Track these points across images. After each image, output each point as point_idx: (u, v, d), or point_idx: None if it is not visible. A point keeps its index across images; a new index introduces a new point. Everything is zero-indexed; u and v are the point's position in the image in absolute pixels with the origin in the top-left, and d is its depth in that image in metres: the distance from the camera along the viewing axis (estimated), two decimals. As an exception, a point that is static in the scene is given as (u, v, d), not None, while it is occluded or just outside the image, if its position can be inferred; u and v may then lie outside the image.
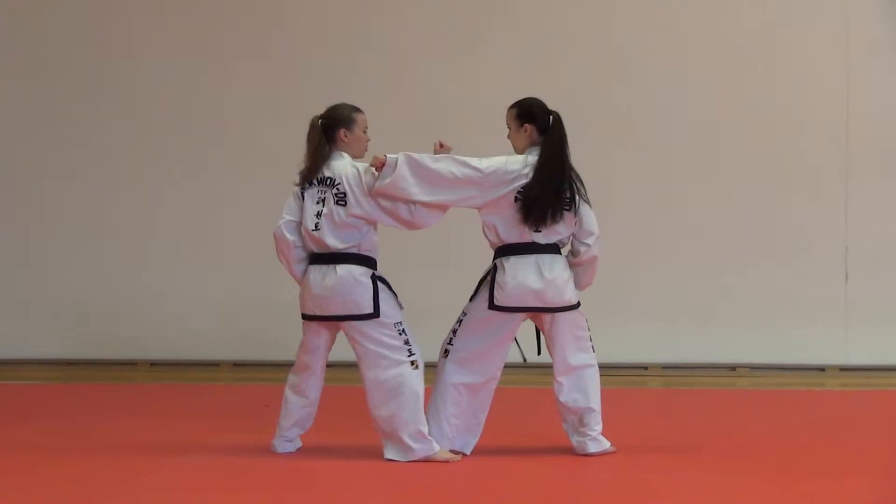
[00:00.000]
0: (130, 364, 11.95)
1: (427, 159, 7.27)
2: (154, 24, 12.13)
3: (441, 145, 7.42)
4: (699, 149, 11.57)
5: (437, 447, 7.32)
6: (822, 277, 11.50)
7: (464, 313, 7.43)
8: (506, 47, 11.74)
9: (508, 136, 7.48)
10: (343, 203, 7.29)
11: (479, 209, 7.33)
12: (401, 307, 7.40)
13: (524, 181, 7.27)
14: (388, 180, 7.23)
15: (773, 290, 11.51)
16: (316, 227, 7.33)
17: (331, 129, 7.41)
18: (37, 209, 12.20)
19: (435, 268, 11.54)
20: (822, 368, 11.40)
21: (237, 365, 11.88)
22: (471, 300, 7.44)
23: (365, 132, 7.47)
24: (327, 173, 7.35)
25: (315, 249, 7.38)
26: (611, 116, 11.57)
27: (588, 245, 7.46)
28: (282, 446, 7.60)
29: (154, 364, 11.98)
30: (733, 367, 11.47)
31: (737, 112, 11.56)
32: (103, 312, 12.06)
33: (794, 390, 10.54)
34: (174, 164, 12.10)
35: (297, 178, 7.41)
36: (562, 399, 7.45)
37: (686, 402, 9.95)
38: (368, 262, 7.37)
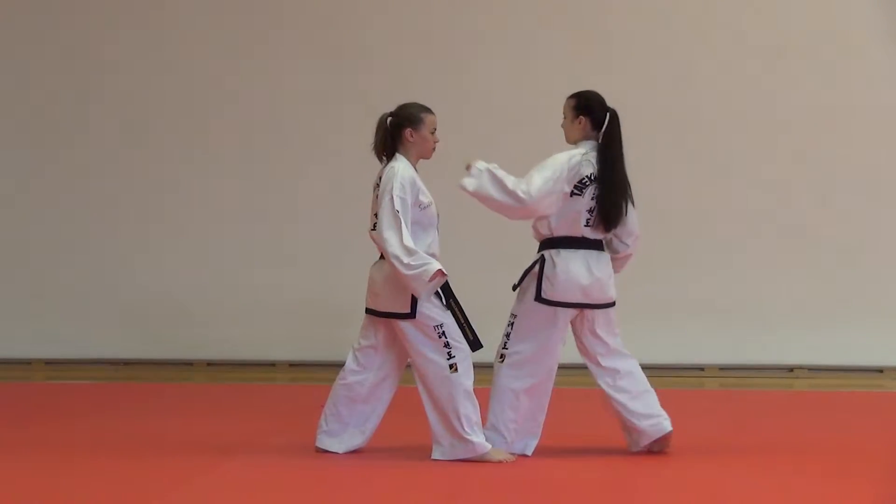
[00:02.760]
0: (187, 364, 12.00)
1: (506, 182, 7.23)
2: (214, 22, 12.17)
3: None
4: (759, 148, 11.51)
5: (487, 447, 7.31)
6: (880, 278, 11.42)
7: (514, 315, 7.43)
8: (561, 48, 11.69)
9: (563, 125, 7.53)
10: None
11: None
12: (446, 308, 7.32)
13: (582, 178, 7.28)
14: (471, 189, 7.27)
15: (831, 291, 11.43)
16: (373, 226, 7.34)
17: (397, 127, 7.40)
18: (95, 208, 12.25)
19: (492, 267, 11.48)
20: (880, 370, 11.32)
21: (293, 365, 11.91)
22: (518, 299, 7.43)
23: (433, 133, 7.42)
24: (381, 174, 7.36)
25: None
26: (665, 117, 11.53)
27: (627, 245, 7.55)
28: (324, 442, 7.59)
29: (211, 364, 12.03)
30: (790, 369, 11.41)
31: (797, 112, 11.49)
32: (161, 313, 12.11)
33: (851, 392, 10.47)
34: (235, 164, 12.11)
35: None
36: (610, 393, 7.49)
37: (743, 403, 9.90)
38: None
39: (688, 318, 11.45)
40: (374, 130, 7.46)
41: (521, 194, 7.22)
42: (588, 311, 7.42)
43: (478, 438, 7.29)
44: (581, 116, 7.44)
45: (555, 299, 7.33)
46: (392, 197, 7.21)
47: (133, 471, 7.16)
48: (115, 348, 12.12)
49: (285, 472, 7.16)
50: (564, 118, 7.51)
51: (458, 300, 7.32)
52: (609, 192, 7.33)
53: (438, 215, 7.44)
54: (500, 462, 7.29)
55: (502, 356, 7.42)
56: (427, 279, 7.12)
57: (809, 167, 11.51)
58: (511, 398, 7.43)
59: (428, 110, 7.43)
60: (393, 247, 7.15)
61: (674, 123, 11.59)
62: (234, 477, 7.09)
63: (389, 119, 7.42)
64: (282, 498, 6.64)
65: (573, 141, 7.49)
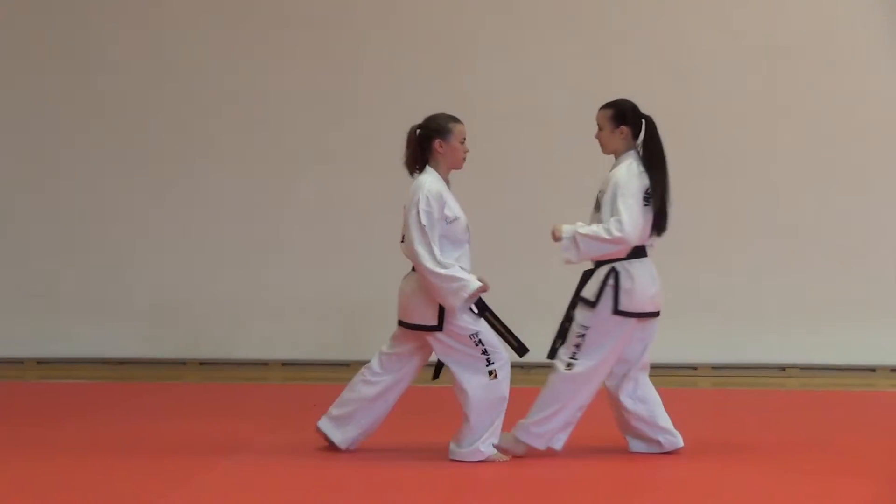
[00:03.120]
0: (180, 363, 11.99)
1: (600, 234, 7.27)
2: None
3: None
4: (752, 148, 11.51)
5: (493, 453, 7.34)
6: (873, 278, 11.43)
7: (585, 327, 7.35)
8: (557, 46, 11.69)
9: (597, 136, 7.52)
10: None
11: None
12: (479, 316, 7.29)
13: (647, 189, 7.35)
14: (576, 260, 7.36)
15: (824, 291, 11.44)
16: (402, 239, 7.39)
17: (426, 139, 7.39)
18: (88, 208, 12.23)
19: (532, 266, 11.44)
20: (873, 369, 11.33)
21: (286, 365, 11.91)
22: (589, 311, 7.35)
23: (462, 143, 7.40)
24: (411, 187, 7.37)
25: None
26: (662, 115, 11.49)
27: (652, 245, 7.55)
28: (326, 426, 7.61)
29: (203, 363, 12.02)
30: (783, 368, 11.42)
31: (791, 112, 11.50)
32: (154, 312, 12.10)
33: (844, 391, 10.49)
34: (231, 165, 12.08)
35: None
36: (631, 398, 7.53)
37: (736, 402, 9.92)
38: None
39: (680, 317, 11.41)
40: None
41: (620, 234, 7.24)
42: (650, 320, 7.47)
43: (489, 451, 7.32)
44: (622, 126, 7.47)
45: (633, 311, 7.35)
46: (418, 211, 7.22)
47: (128, 471, 7.16)
48: (108, 348, 12.10)
49: (279, 471, 7.17)
50: (601, 129, 7.50)
51: (493, 310, 7.34)
52: (664, 200, 7.39)
53: (469, 230, 7.43)
54: (499, 460, 7.33)
55: (570, 365, 7.38)
56: (466, 296, 7.16)
57: (802, 167, 11.52)
58: (574, 409, 7.43)
59: (456, 120, 7.42)
60: (426, 261, 7.17)
61: (668, 123, 11.54)
62: (230, 476, 7.10)
63: (418, 131, 7.41)
64: (277, 497, 6.65)
65: (612, 151, 7.51)
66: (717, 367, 11.33)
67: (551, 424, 7.38)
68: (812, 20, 11.53)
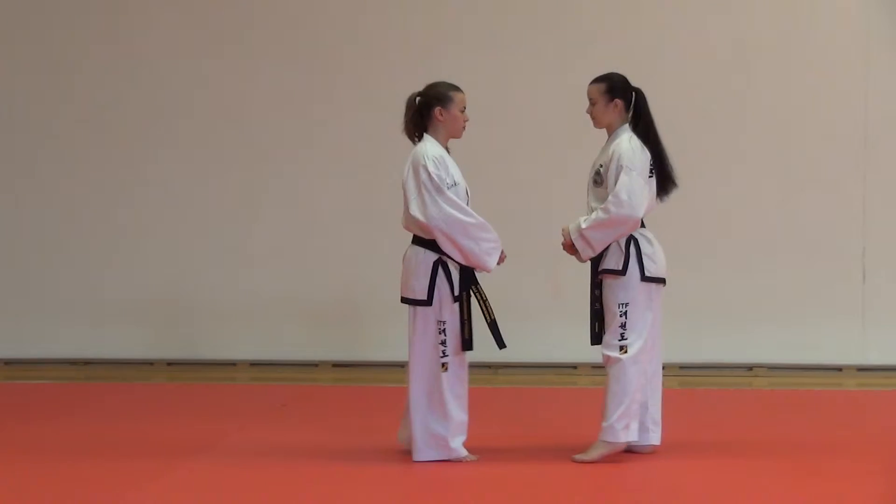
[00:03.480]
0: (148, 364, 11.95)
1: (603, 219, 7.27)
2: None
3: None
4: (715, 148, 11.53)
5: (458, 454, 7.32)
6: (839, 277, 11.47)
7: (624, 304, 7.31)
8: (522, 46, 11.70)
9: (589, 111, 7.52)
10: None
11: None
12: (457, 300, 7.26)
13: (650, 159, 7.39)
14: (593, 255, 7.34)
15: (791, 291, 11.48)
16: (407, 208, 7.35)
17: (426, 107, 7.36)
18: (56, 209, 12.17)
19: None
20: (839, 368, 11.37)
21: (254, 365, 11.88)
22: (619, 286, 7.30)
23: (463, 111, 7.39)
24: (410, 155, 7.34)
25: None
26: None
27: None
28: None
29: (171, 363, 11.98)
30: (750, 367, 11.45)
31: (756, 112, 11.52)
32: (121, 312, 12.06)
33: (811, 390, 10.53)
34: (200, 165, 12.03)
35: None
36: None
37: (703, 402, 9.94)
38: (435, 245, 7.29)
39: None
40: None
41: (619, 211, 7.25)
42: (662, 288, 7.50)
43: (446, 446, 7.29)
44: (616, 99, 7.47)
45: (659, 275, 7.40)
46: (429, 174, 7.18)
47: (94, 471, 7.14)
48: (76, 348, 12.05)
49: (246, 471, 7.16)
50: (593, 104, 7.49)
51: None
52: (665, 167, 7.46)
53: (469, 194, 7.40)
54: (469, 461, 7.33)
55: (623, 349, 7.34)
56: (499, 254, 7.25)
57: (767, 168, 11.54)
58: (653, 388, 7.47)
59: (457, 88, 7.39)
60: (460, 216, 7.16)
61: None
62: (196, 476, 7.08)
63: (418, 99, 7.38)
64: (244, 497, 6.64)
65: (606, 124, 7.51)
66: (684, 367, 11.35)
67: (633, 413, 7.33)
68: (780, 22, 11.55)
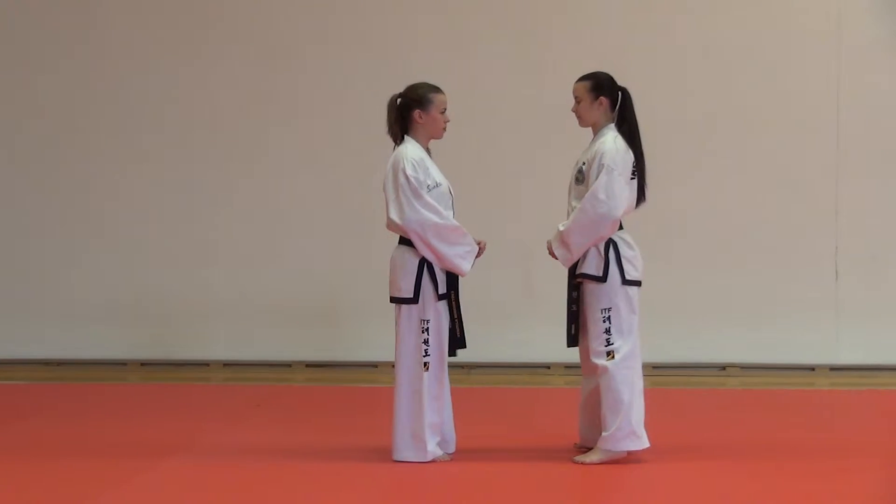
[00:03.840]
0: (121, 364, 11.92)
1: (581, 220, 7.24)
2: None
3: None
4: (689, 148, 11.55)
5: (433, 454, 7.33)
6: (812, 277, 11.50)
7: (605, 310, 7.26)
8: (494, 48, 11.70)
9: (574, 109, 7.48)
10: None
11: None
12: (441, 298, 7.30)
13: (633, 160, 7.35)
14: (575, 258, 7.30)
15: (764, 290, 11.51)
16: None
17: (406, 109, 7.38)
18: (26, 208, 12.13)
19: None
20: (812, 368, 11.40)
21: (228, 365, 11.85)
22: (600, 291, 7.26)
23: (443, 113, 7.40)
24: (390, 158, 7.37)
25: None
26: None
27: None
28: None
29: (145, 364, 11.95)
30: (723, 367, 11.48)
31: (728, 112, 11.54)
32: (94, 313, 12.03)
33: (784, 390, 10.56)
34: (166, 165, 12.02)
35: None
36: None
37: (676, 401, 9.96)
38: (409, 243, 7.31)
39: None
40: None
41: (597, 209, 7.20)
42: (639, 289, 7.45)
43: (423, 449, 7.31)
44: (601, 97, 7.42)
45: (638, 278, 7.34)
46: (407, 177, 7.20)
47: (67, 472, 7.12)
48: (49, 349, 12.02)
49: (220, 471, 7.15)
50: (579, 102, 7.45)
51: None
52: (643, 170, 7.41)
53: (452, 195, 7.42)
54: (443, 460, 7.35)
55: (610, 354, 7.28)
56: (473, 258, 7.28)
57: (738, 167, 11.57)
58: (640, 394, 7.34)
59: (437, 90, 7.41)
60: (435, 219, 7.18)
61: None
62: (169, 477, 7.07)
63: (399, 100, 7.40)
64: (217, 497, 6.63)
65: (591, 123, 7.47)
66: (657, 367, 11.37)
67: (634, 420, 7.27)
68: (751, 22, 11.58)
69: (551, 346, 7.40)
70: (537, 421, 8.81)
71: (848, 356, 11.43)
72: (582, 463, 7.28)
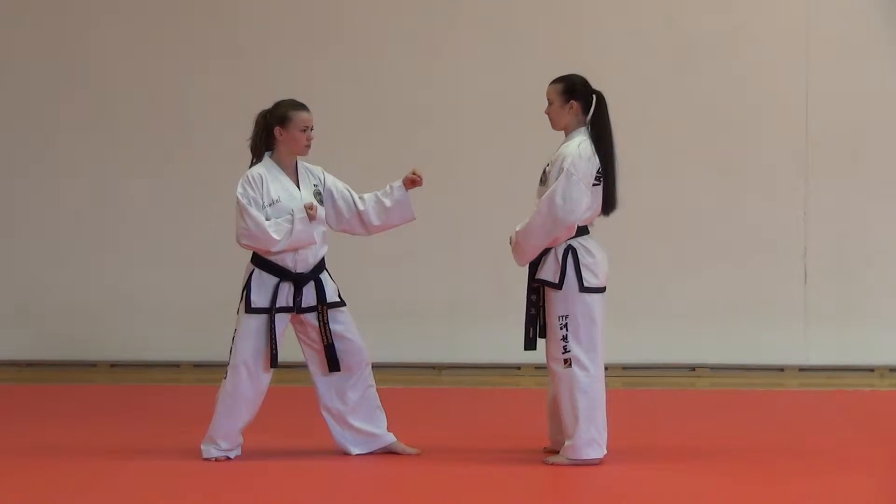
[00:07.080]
0: (91, 365, 11.88)
1: (529, 237, 7.22)
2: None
3: (414, 177, 7.42)
4: (657, 148, 11.57)
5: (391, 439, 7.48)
6: (781, 278, 11.55)
7: (564, 316, 7.20)
8: (472, 47, 11.70)
9: (547, 111, 7.40)
10: None
11: None
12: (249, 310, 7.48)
13: (598, 167, 7.23)
14: (529, 258, 7.29)
15: (733, 291, 11.55)
16: None
17: (268, 125, 7.40)
18: (1, 209, 12.10)
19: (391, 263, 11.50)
20: (781, 369, 11.45)
21: (198, 366, 11.82)
22: (556, 298, 7.21)
23: (304, 131, 7.37)
24: None
25: None
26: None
27: None
28: None
29: (114, 365, 11.92)
30: (693, 368, 11.51)
31: (696, 112, 11.58)
32: (64, 313, 11.98)
33: (753, 391, 10.59)
34: (139, 164, 11.99)
35: None
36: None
37: (646, 402, 9.99)
38: (253, 256, 7.45)
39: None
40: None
41: (552, 213, 7.14)
42: (603, 295, 7.36)
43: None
44: (572, 101, 7.33)
45: (599, 285, 7.25)
46: (238, 193, 7.31)
47: (35, 474, 7.09)
48: (17, 350, 11.98)
49: (190, 472, 7.14)
50: (550, 104, 7.37)
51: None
52: (613, 178, 7.29)
53: (295, 213, 7.35)
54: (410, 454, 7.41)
55: (567, 361, 7.23)
56: (297, 220, 7.27)
57: (708, 167, 11.60)
58: (601, 401, 7.29)
59: (300, 107, 7.40)
60: (250, 225, 7.26)
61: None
62: (139, 479, 7.05)
63: (264, 117, 7.43)
64: (187, 498, 6.62)
65: (563, 127, 7.38)
66: (627, 368, 11.40)
67: (593, 428, 7.23)
68: (720, 21, 11.62)
69: (522, 347, 7.38)
70: (508, 422, 8.82)
71: (817, 357, 11.49)
72: (554, 464, 7.28)
